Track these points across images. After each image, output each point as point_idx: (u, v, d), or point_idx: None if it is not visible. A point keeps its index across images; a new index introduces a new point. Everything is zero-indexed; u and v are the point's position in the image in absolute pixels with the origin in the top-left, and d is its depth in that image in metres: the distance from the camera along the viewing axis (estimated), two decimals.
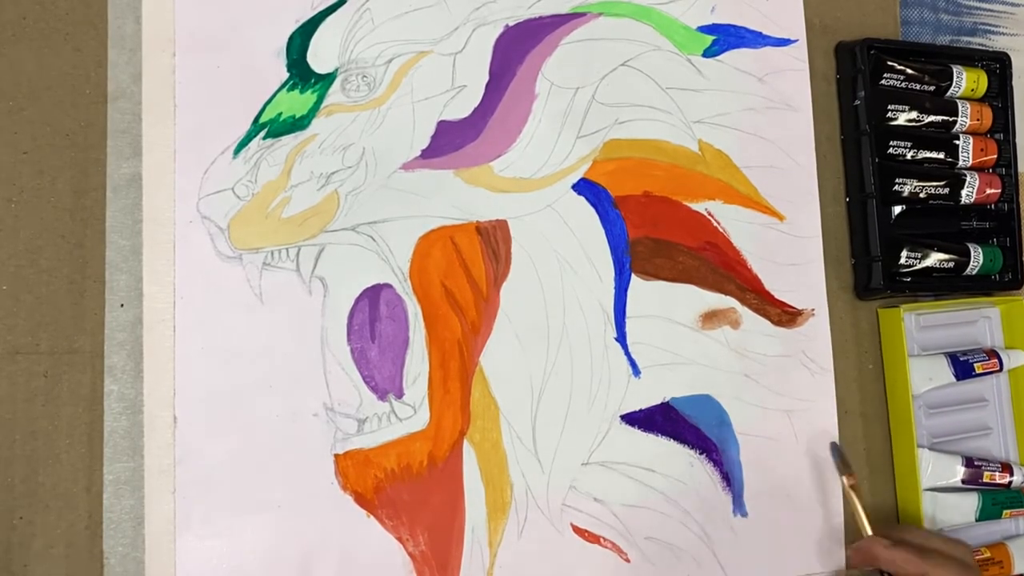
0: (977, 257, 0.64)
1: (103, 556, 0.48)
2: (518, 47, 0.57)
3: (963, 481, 0.62)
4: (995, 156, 0.65)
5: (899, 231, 0.63)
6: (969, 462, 0.62)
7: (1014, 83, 0.66)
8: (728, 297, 0.59)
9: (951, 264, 0.63)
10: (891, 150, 0.63)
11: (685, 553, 0.56)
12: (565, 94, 0.58)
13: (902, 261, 0.62)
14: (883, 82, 0.63)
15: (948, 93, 0.65)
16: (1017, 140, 0.66)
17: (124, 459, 0.49)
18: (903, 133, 0.63)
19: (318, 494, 0.51)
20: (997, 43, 0.70)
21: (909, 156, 0.63)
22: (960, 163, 0.64)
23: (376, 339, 0.53)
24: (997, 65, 0.66)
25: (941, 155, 0.64)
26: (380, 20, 0.55)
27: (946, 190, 0.64)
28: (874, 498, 0.61)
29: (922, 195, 0.64)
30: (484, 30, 0.57)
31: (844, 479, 0.57)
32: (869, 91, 0.62)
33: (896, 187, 0.63)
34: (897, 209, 0.63)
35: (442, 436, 0.53)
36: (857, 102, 0.62)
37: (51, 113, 0.50)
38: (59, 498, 0.48)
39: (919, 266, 0.62)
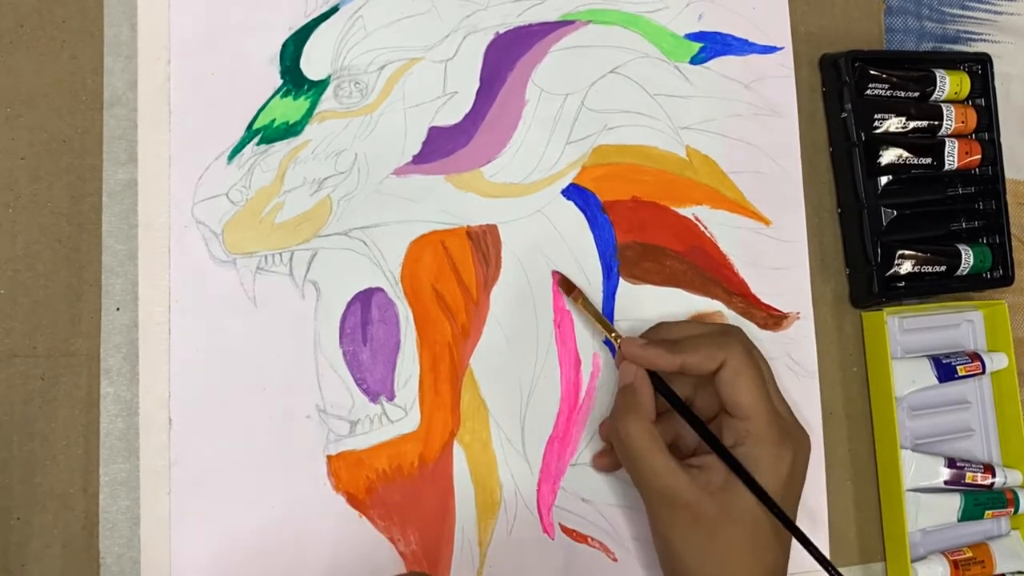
0: (967, 258, 0.65)
1: (100, 556, 0.49)
2: (508, 54, 0.58)
3: (946, 482, 0.62)
4: (979, 157, 0.66)
5: (890, 237, 0.64)
6: (952, 463, 0.63)
7: (998, 88, 0.67)
8: (715, 301, 0.60)
9: (943, 267, 0.64)
10: (880, 159, 0.63)
11: None
12: (555, 100, 0.59)
13: (895, 268, 0.63)
14: (868, 92, 0.64)
15: (932, 97, 0.66)
16: (1000, 140, 0.67)
17: (120, 460, 0.50)
18: (890, 141, 0.64)
19: (311, 495, 0.52)
20: (980, 50, 0.71)
21: (897, 162, 0.64)
22: (946, 166, 0.65)
23: (368, 342, 0.54)
24: (979, 66, 0.67)
25: (928, 160, 0.65)
26: (372, 27, 0.56)
27: (934, 195, 0.66)
28: (858, 499, 0.62)
29: (911, 200, 0.65)
30: (475, 37, 0.58)
31: (570, 299, 0.56)
32: (856, 103, 0.63)
33: (885, 192, 0.64)
34: (887, 216, 0.64)
35: (432, 437, 0.54)
36: (844, 114, 0.63)
37: (48, 119, 0.51)
38: (56, 499, 0.49)
39: (912, 271, 0.63)
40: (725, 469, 0.49)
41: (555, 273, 0.57)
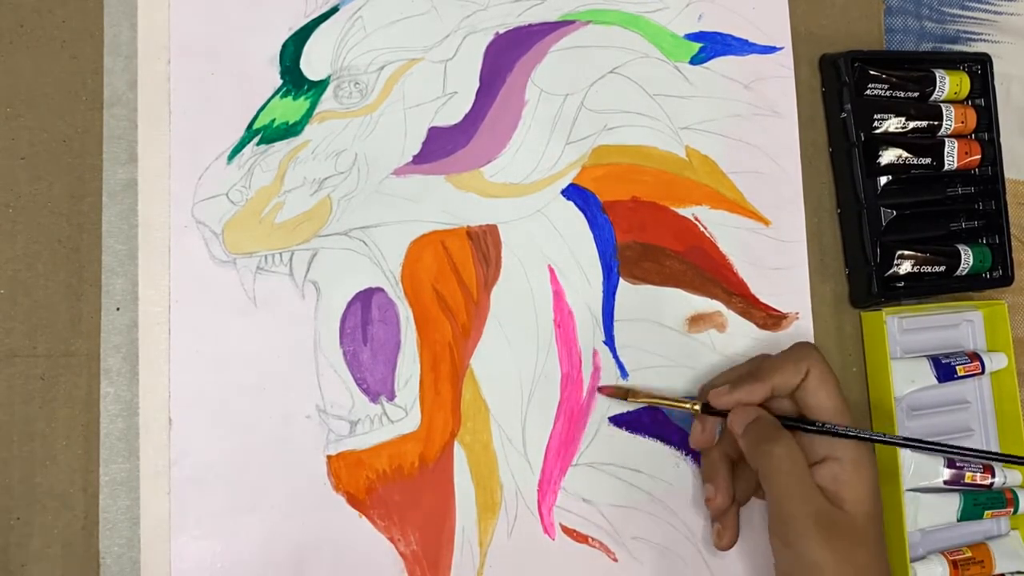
0: (967, 258, 0.65)
1: (99, 556, 0.49)
2: (508, 54, 0.58)
3: (945, 482, 0.63)
4: (979, 157, 0.66)
5: (890, 237, 0.64)
6: (951, 463, 0.63)
7: (997, 88, 0.67)
8: (714, 301, 0.60)
9: (943, 268, 0.64)
10: (880, 159, 0.64)
11: (671, 552, 0.57)
12: (554, 101, 0.59)
13: (895, 268, 0.63)
14: (868, 92, 0.64)
15: (932, 97, 0.66)
16: (1000, 140, 0.67)
17: (120, 460, 0.50)
18: (889, 141, 0.64)
19: (311, 495, 0.52)
20: (980, 50, 0.71)
21: (897, 162, 0.64)
22: (946, 166, 0.65)
23: (368, 342, 0.54)
24: (978, 66, 0.67)
25: (927, 160, 0.65)
26: (372, 28, 0.56)
27: (934, 195, 0.66)
28: None
29: (911, 200, 0.65)
30: (475, 37, 0.58)
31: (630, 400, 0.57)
32: (856, 103, 0.63)
33: (884, 192, 0.64)
34: (887, 216, 0.64)
35: (433, 437, 0.54)
36: (844, 114, 0.63)
37: (48, 119, 0.51)
38: (56, 499, 0.49)
39: (912, 271, 0.63)
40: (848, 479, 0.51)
41: (603, 388, 0.57)
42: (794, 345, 0.56)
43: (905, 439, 0.55)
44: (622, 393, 0.57)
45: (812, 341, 0.62)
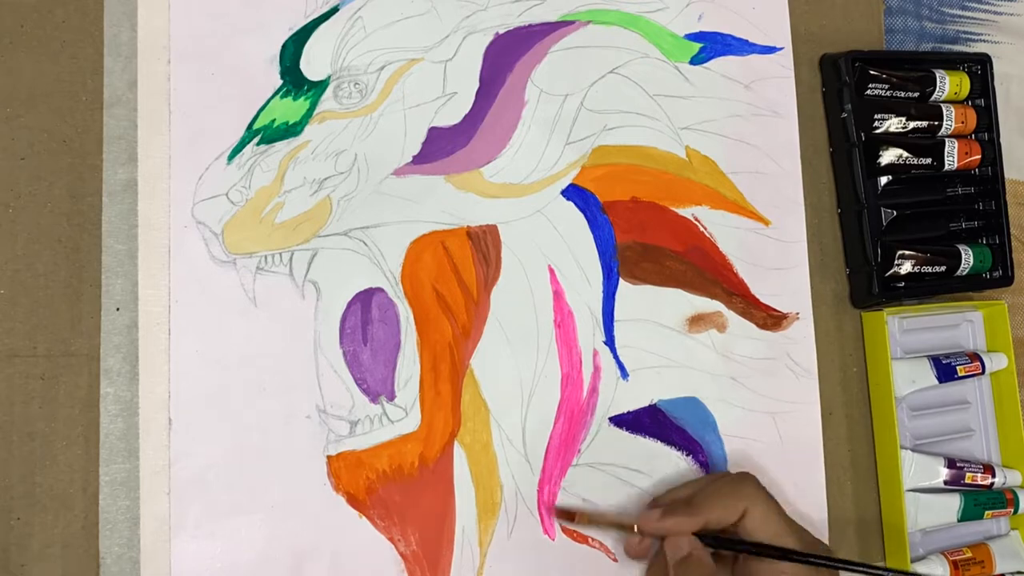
0: (967, 258, 0.65)
1: (99, 556, 0.49)
2: (508, 55, 0.58)
3: (945, 482, 0.63)
4: (979, 157, 0.66)
5: (890, 237, 0.64)
6: (951, 463, 0.63)
7: (997, 88, 0.67)
8: (714, 301, 0.60)
9: (943, 268, 0.64)
10: (880, 159, 0.64)
11: None
12: (554, 101, 0.59)
13: (895, 268, 0.63)
14: (868, 92, 0.64)
15: (932, 98, 0.66)
16: (1000, 140, 0.67)
17: (120, 460, 0.50)
18: (890, 141, 0.64)
19: (310, 495, 0.52)
20: (980, 51, 0.71)
21: (897, 162, 0.64)
22: (946, 166, 0.65)
23: (368, 342, 0.54)
24: (978, 67, 0.67)
25: (928, 160, 0.65)
26: (372, 28, 0.56)
27: (934, 195, 0.66)
28: (857, 499, 0.62)
29: (911, 200, 0.65)
30: (474, 38, 0.58)
31: (576, 523, 0.55)
32: (856, 103, 0.63)
33: (885, 192, 0.64)
34: (887, 216, 0.64)
35: (433, 438, 0.54)
36: (844, 114, 0.63)
37: (48, 119, 0.51)
38: (56, 499, 0.49)
39: (912, 271, 0.63)
40: None
41: (553, 509, 0.56)
42: (732, 478, 0.54)
43: (844, 561, 0.53)
44: (569, 516, 0.55)
45: (815, 348, 0.62)
